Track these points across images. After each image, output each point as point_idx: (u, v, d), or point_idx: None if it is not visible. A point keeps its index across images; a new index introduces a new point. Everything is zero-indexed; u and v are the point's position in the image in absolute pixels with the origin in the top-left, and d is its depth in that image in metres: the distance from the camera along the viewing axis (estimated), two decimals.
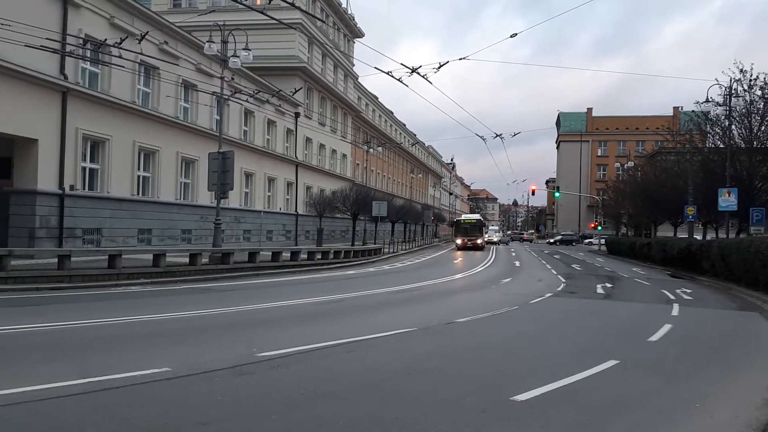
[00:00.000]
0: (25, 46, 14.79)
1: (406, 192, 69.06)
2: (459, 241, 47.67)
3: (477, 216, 56.63)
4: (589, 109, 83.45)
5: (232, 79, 26.58)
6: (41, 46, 14.81)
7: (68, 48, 17.79)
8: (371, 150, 46.79)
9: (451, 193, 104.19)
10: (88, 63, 20.07)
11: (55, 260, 14.70)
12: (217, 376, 5.98)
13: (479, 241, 47.10)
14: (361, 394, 5.57)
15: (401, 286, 16.96)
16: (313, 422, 4.67)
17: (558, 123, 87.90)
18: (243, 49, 19.36)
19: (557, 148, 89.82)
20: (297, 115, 37.02)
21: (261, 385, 5.79)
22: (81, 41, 18.71)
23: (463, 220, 51.27)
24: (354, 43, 49.45)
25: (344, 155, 47.96)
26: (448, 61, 18.07)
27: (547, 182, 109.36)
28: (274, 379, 6.02)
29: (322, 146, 42.63)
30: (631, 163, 50.25)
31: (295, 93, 29.46)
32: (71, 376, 5.66)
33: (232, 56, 19.38)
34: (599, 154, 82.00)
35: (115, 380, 5.57)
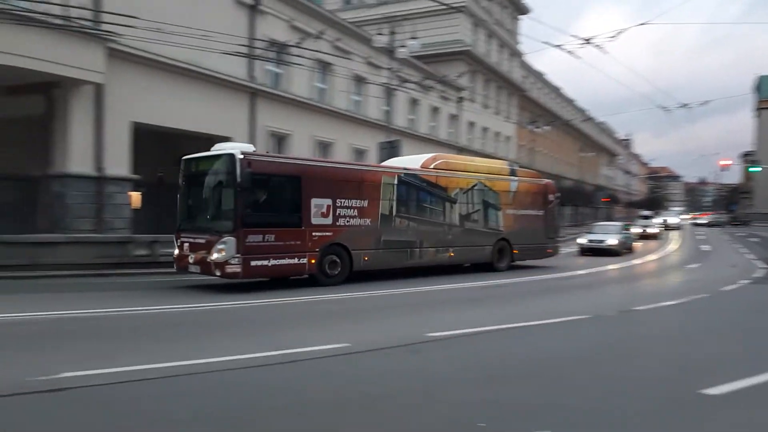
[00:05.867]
0: (222, 53, 16.67)
1: (575, 173, 65.58)
2: (176, 252, 11.80)
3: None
4: None
5: (400, 69, 27.34)
6: (235, 52, 16.60)
7: (256, 52, 19.69)
8: (538, 129, 45.11)
9: (627, 172, 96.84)
10: (272, 64, 22.04)
11: None
12: (392, 353, 6.37)
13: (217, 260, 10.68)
14: (532, 379, 5.53)
15: (569, 272, 16.34)
16: (483, 403, 4.74)
17: (758, 88, 76.94)
18: (410, 38, 19.74)
19: (757, 116, 78.79)
20: (460, 99, 36.95)
21: (432, 364, 6.03)
22: (266, 45, 20.60)
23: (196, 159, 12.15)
24: (519, 20, 47.93)
25: (508, 137, 46.88)
26: (626, 29, 16.81)
27: (745, 155, 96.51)
28: (444, 359, 6.22)
29: (485, 129, 42.12)
30: None
31: (459, 77, 29.46)
32: (267, 348, 6.31)
33: (400, 46, 19.87)
34: None
35: (301, 353, 6.14)
